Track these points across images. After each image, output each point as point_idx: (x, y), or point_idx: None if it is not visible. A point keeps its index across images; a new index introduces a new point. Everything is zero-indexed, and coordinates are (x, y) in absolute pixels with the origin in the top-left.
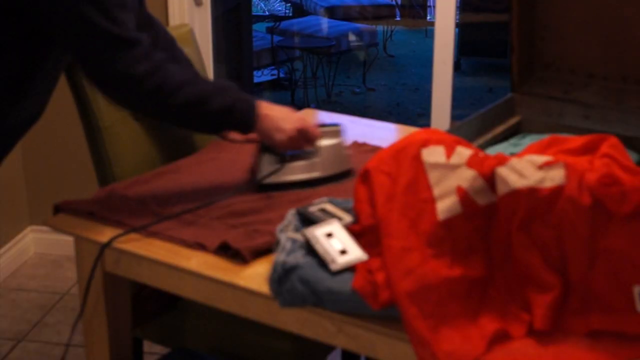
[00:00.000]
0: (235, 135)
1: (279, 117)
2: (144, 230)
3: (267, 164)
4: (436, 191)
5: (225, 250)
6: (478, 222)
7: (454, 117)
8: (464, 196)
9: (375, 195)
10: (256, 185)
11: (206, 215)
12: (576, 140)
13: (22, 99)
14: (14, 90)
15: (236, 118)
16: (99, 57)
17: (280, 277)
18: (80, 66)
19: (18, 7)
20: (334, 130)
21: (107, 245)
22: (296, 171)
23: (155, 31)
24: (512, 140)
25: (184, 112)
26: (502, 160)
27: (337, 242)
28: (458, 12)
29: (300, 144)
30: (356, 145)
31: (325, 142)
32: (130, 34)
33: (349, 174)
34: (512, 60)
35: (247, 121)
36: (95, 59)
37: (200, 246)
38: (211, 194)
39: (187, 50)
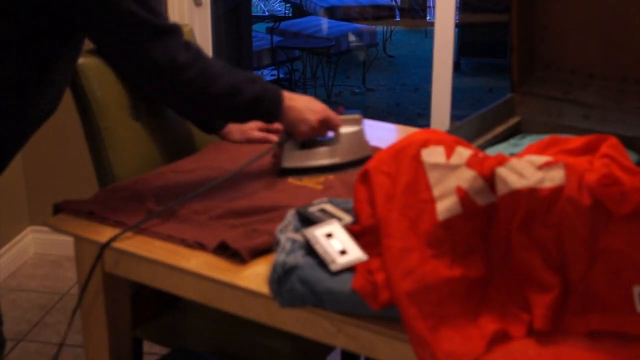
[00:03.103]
0: (235, 136)
1: (304, 108)
2: (144, 230)
3: (290, 150)
4: (436, 191)
5: (224, 250)
6: (478, 223)
7: (454, 118)
8: (464, 196)
9: (375, 195)
10: (278, 170)
11: (205, 214)
12: (576, 141)
13: (42, 91)
14: (33, 82)
15: (264, 107)
16: (138, 47)
17: (280, 278)
18: (118, 58)
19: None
20: (354, 119)
21: (106, 245)
22: (317, 157)
23: None
24: (512, 141)
25: (219, 102)
26: (501, 161)
27: (337, 243)
28: (457, 13)
29: (323, 132)
30: None
31: (345, 130)
32: (166, 23)
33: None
34: (512, 61)
35: (273, 111)
36: (134, 50)
37: (200, 246)
38: (212, 194)
39: None
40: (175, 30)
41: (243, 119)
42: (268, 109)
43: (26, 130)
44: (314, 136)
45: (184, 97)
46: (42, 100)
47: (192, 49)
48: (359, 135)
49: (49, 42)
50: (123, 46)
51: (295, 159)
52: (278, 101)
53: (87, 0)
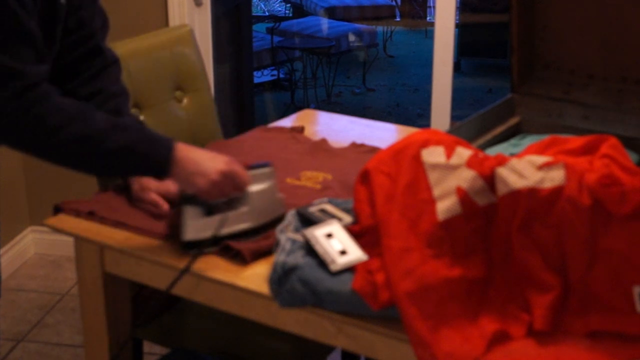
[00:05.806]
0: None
1: (201, 159)
2: (144, 230)
3: (191, 218)
4: (436, 192)
5: (227, 251)
6: (478, 223)
7: (454, 118)
8: (464, 196)
9: (375, 195)
10: (181, 244)
11: None
12: (576, 141)
13: None
14: None
15: (140, 160)
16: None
17: (280, 278)
18: None
19: None
20: (264, 173)
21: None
22: (227, 224)
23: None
24: (512, 141)
25: (70, 151)
26: (502, 161)
27: (336, 243)
28: (457, 13)
29: (227, 190)
30: (354, 145)
31: (255, 188)
32: (16, 65)
33: (282, 220)
34: (512, 61)
35: (157, 164)
36: None
37: None
38: None
39: (187, 51)
40: (21, 73)
41: (114, 171)
42: (149, 161)
43: None
44: (217, 194)
45: (24, 145)
46: None
47: (37, 92)
48: (271, 193)
49: None
50: None
51: (199, 228)
52: (163, 152)
53: None
